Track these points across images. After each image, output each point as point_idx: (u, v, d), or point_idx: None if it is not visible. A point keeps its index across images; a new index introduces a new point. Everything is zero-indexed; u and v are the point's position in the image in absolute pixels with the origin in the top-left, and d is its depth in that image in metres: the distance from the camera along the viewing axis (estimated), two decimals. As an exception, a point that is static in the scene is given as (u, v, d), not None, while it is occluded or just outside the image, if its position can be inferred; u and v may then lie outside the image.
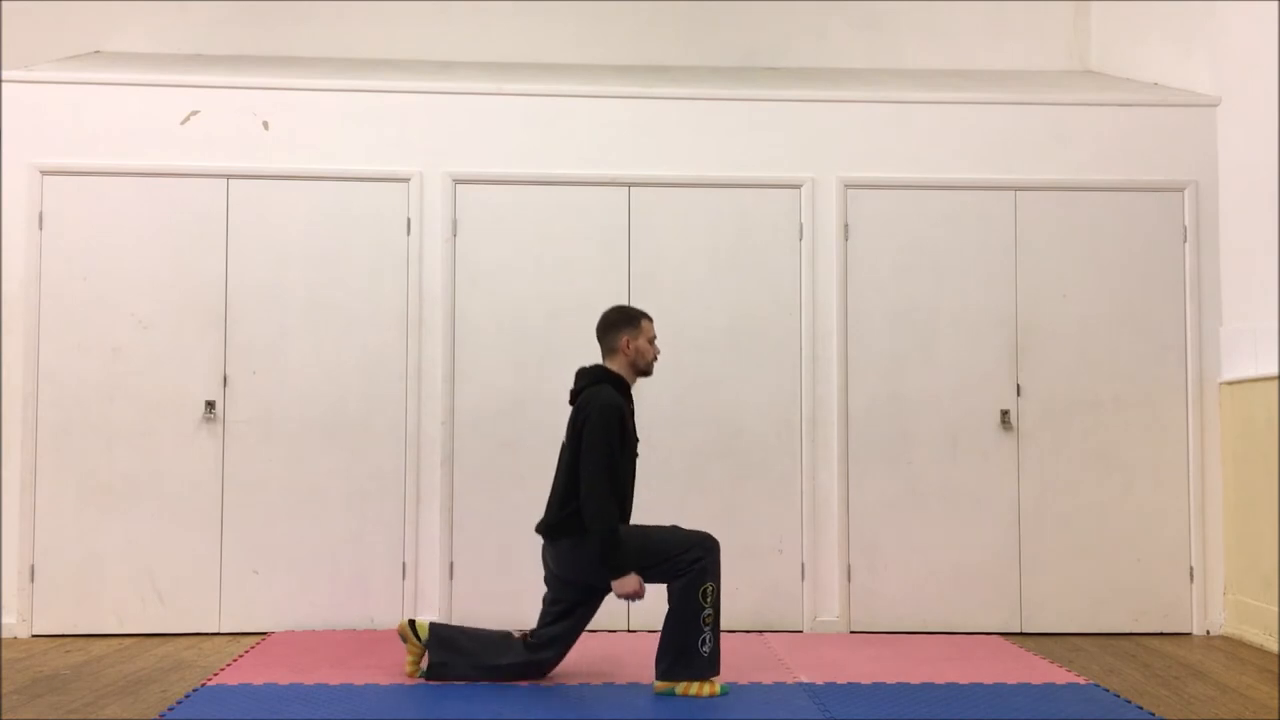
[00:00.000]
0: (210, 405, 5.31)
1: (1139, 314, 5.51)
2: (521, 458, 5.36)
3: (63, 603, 5.23)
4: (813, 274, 5.48)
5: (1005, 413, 5.46)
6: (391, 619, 5.27)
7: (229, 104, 5.43)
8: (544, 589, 4.38)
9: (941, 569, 5.42)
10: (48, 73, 5.46)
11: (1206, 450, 5.46)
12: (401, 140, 5.47)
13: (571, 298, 5.42)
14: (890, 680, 4.38)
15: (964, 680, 4.38)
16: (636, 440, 4.34)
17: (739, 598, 5.26)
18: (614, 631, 5.23)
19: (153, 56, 6.04)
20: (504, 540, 5.32)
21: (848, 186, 5.51)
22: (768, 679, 4.39)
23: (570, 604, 4.28)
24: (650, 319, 4.42)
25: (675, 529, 4.27)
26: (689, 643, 4.09)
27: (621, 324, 4.36)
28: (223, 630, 5.28)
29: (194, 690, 4.18)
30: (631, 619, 5.28)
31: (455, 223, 5.45)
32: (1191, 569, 5.43)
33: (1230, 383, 5.39)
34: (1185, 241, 5.53)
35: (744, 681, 4.33)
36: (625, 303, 5.30)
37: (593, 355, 4.45)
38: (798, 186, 5.51)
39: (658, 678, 4.15)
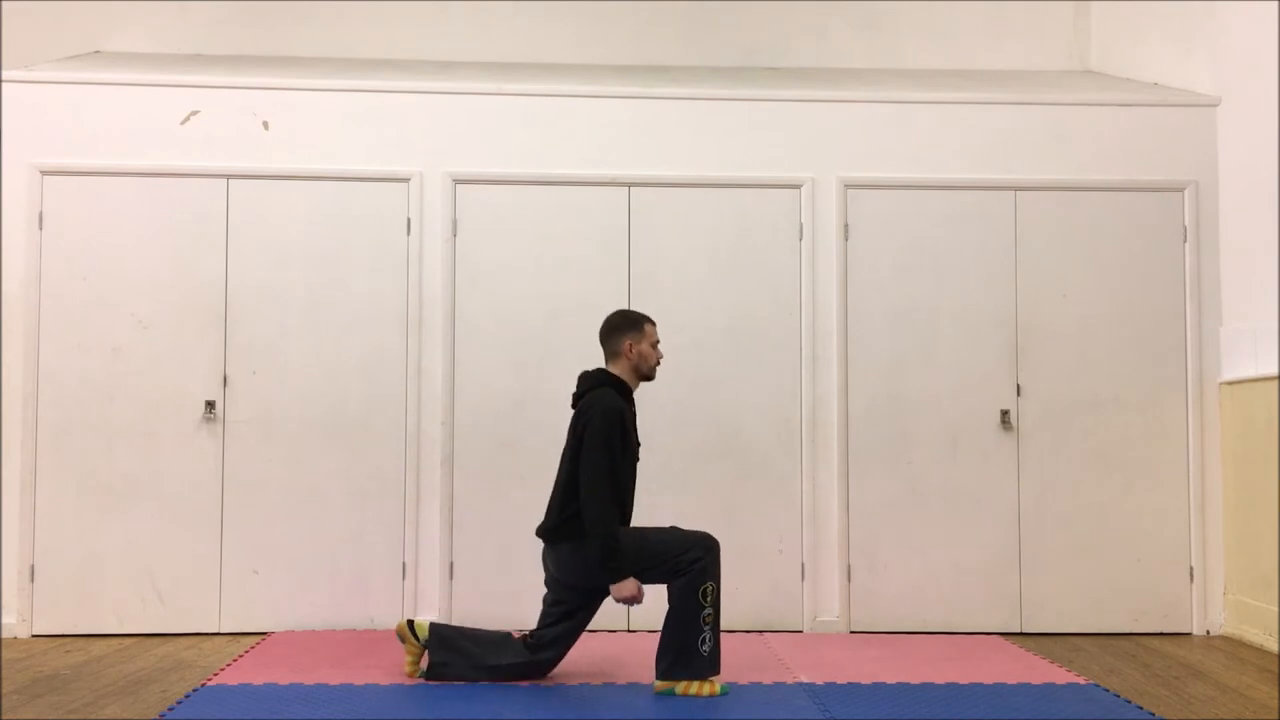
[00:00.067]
0: (210, 405, 5.31)
1: (1139, 314, 5.51)
2: (521, 458, 5.36)
3: (63, 603, 5.23)
4: (813, 274, 5.48)
5: (1005, 413, 5.46)
6: (391, 619, 5.27)
7: (229, 104, 5.43)
8: (544, 589, 4.38)
9: (941, 569, 5.42)
10: (48, 73, 5.46)
11: (1206, 450, 5.46)
12: (401, 140, 5.47)
13: (571, 298, 5.42)
14: (890, 680, 4.38)
15: (964, 680, 4.38)
16: (638, 445, 4.34)
17: (739, 598, 5.26)
18: (614, 631, 5.23)
19: (153, 56, 6.04)
20: (504, 540, 5.33)
21: (848, 186, 5.51)
22: (768, 679, 4.39)
23: (572, 606, 4.29)
24: (654, 323, 4.41)
25: (675, 530, 4.27)
26: (689, 642, 4.09)
27: (625, 328, 4.35)
28: (223, 630, 5.28)
29: (194, 690, 4.18)
30: (631, 619, 5.28)
31: (455, 223, 5.45)
32: (1191, 569, 5.43)
33: (1230, 383, 5.39)
34: (1185, 241, 5.53)
35: (744, 681, 4.32)
36: (626, 304, 5.31)
37: (593, 355, 4.45)
38: (798, 186, 5.51)
39: (658, 677, 4.15)
